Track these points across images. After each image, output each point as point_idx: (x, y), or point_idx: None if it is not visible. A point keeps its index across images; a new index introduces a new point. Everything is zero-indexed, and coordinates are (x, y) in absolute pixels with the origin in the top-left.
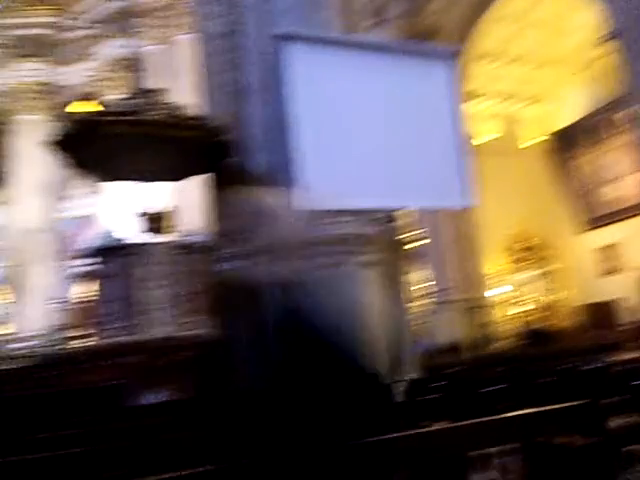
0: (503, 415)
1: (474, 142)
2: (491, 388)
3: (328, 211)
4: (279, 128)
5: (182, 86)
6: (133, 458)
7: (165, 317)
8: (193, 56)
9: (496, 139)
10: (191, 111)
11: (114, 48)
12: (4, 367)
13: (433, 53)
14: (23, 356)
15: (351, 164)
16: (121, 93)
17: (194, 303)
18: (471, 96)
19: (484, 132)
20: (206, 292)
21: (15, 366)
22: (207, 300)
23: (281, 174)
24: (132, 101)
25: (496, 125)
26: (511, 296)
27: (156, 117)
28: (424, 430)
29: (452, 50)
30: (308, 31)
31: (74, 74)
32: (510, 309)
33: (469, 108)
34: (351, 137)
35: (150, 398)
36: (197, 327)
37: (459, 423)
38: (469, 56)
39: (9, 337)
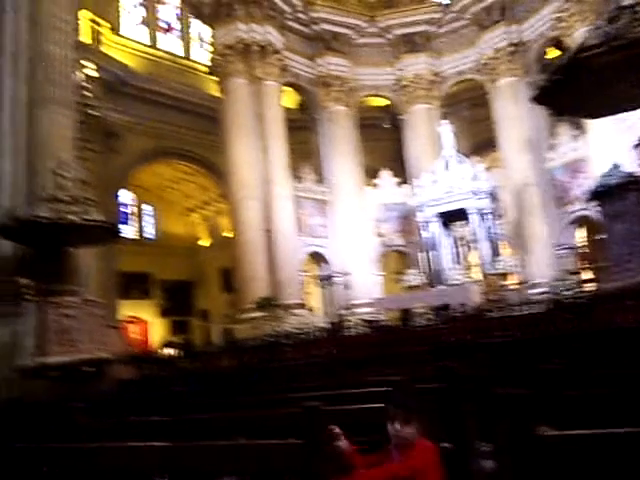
0: None
1: None
2: None
3: None
4: None
5: None
6: None
7: None
8: None
9: None
10: None
11: None
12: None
13: None
14: (539, 301)
15: None
16: (591, 23)
17: None
18: None
19: None
20: None
21: (534, 311)
22: None
23: None
24: (607, 27)
25: None
26: None
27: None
28: None
29: None
30: None
31: (539, 23)
32: None
33: None
34: None
35: None
36: None
37: None
38: None
39: (520, 285)
